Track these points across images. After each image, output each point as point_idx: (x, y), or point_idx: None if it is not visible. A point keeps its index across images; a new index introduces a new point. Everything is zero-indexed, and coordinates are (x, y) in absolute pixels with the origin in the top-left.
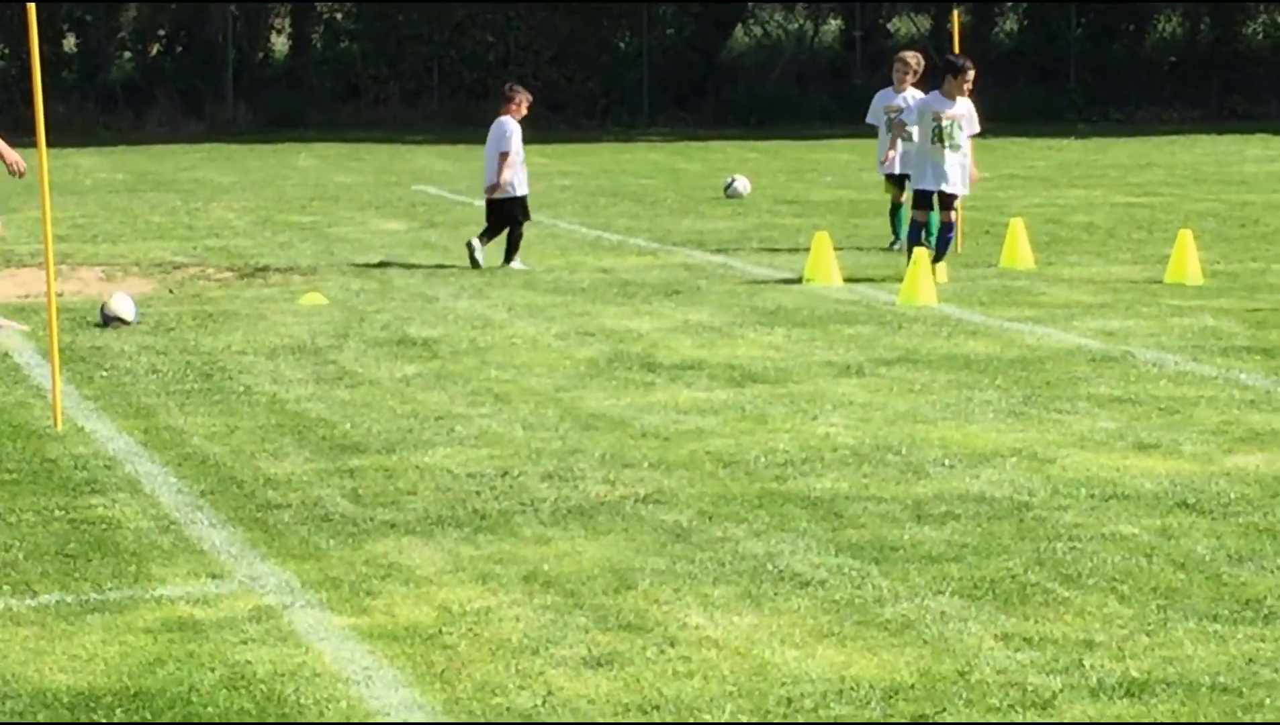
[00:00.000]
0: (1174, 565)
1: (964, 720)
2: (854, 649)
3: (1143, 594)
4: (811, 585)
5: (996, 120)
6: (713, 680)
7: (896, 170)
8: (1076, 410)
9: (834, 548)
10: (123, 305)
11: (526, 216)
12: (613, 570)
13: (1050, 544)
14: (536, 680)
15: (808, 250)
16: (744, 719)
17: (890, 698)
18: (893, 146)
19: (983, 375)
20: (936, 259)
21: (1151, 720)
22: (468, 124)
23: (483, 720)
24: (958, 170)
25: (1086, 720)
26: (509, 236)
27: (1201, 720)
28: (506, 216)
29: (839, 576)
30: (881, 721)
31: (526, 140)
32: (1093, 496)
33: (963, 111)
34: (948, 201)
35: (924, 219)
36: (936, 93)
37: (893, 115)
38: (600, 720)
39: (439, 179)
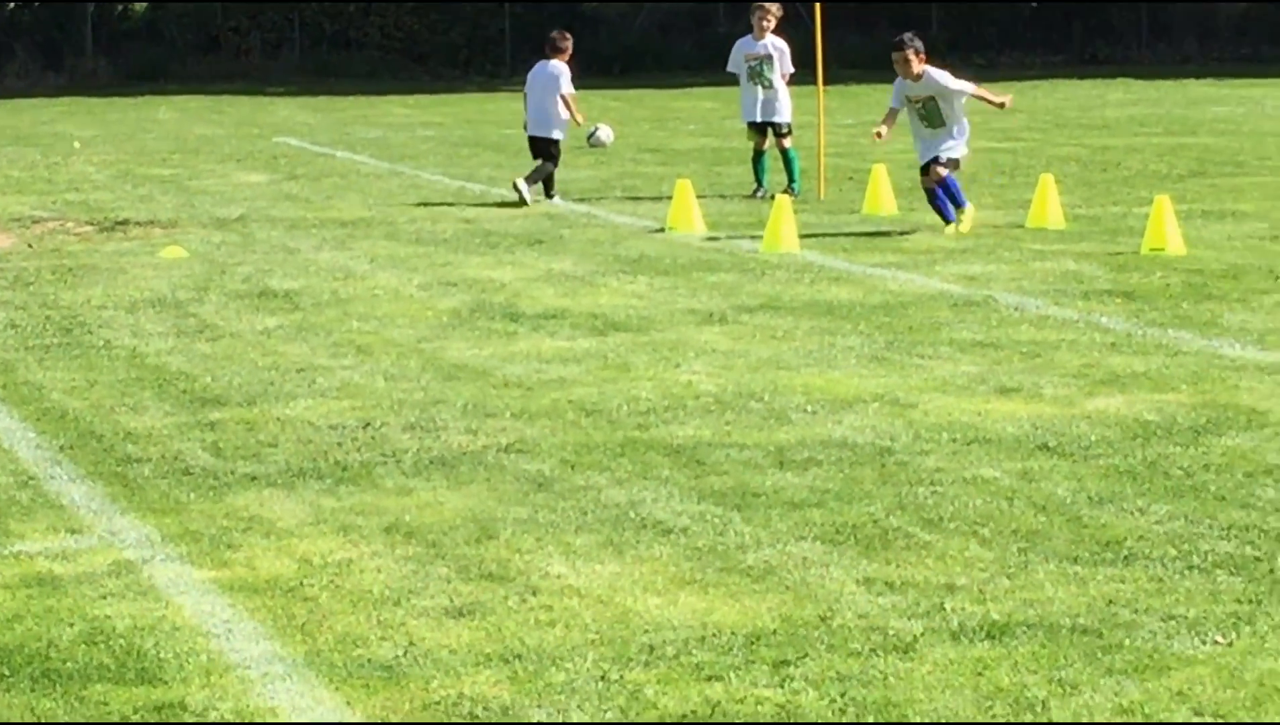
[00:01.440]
0: (1035, 508)
1: (825, 665)
2: (716, 595)
3: (1004, 537)
4: (674, 533)
5: (859, 67)
6: (574, 629)
7: (757, 118)
8: (938, 355)
9: (696, 495)
10: None
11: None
12: (475, 520)
13: (912, 488)
14: (398, 631)
15: (670, 198)
16: (606, 667)
17: (752, 643)
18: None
19: (845, 321)
20: (957, 206)
21: (1012, 662)
22: (329, 75)
23: (344, 671)
24: (950, 141)
25: (947, 663)
26: (548, 175)
27: (1062, 661)
28: (550, 155)
29: (701, 523)
30: (743, 667)
31: (388, 91)
32: (954, 441)
33: (931, 89)
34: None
35: (932, 185)
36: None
37: (752, 63)
38: (462, 670)
39: (300, 131)
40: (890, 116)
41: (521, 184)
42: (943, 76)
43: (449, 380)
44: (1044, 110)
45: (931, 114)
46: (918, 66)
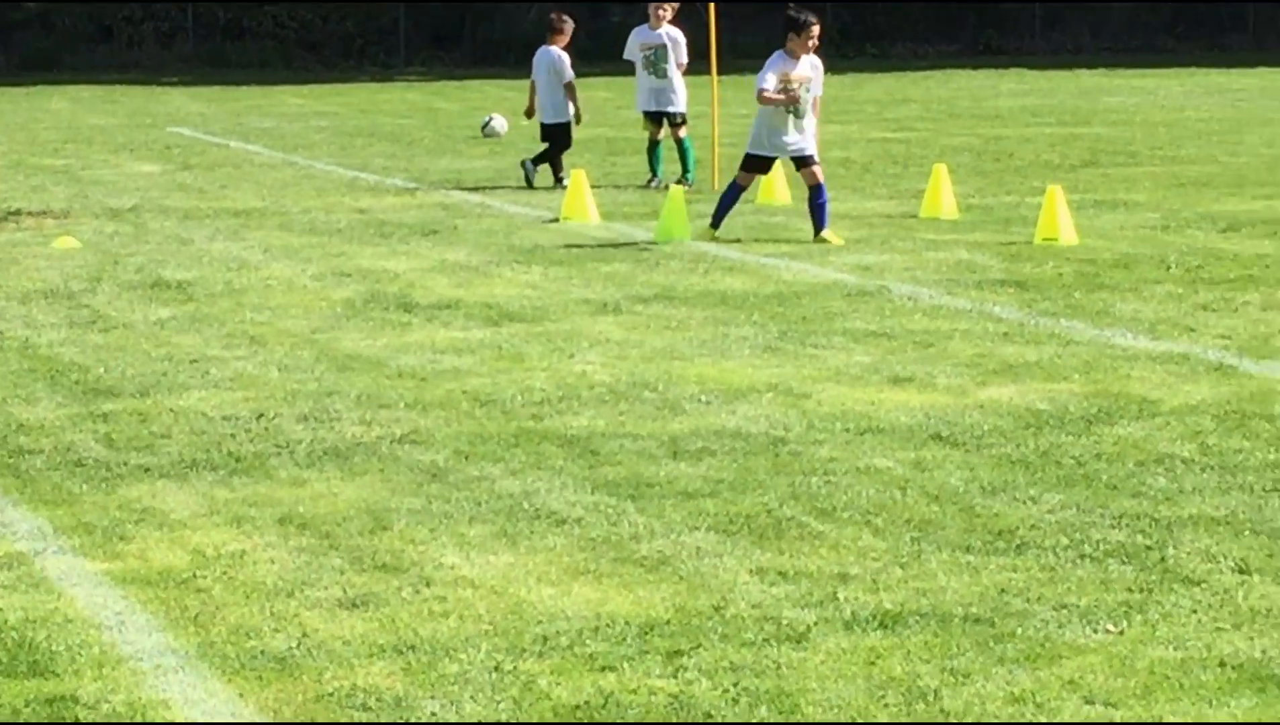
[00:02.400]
0: (928, 497)
1: (719, 655)
2: (610, 586)
3: (897, 526)
4: (568, 523)
5: (753, 57)
6: (468, 619)
7: (652, 107)
8: (832, 345)
9: (590, 485)
10: None
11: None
12: (368, 511)
13: (806, 478)
14: (291, 622)
15: (565, 188)
16: (499, 658)
17: (646, 633)
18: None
19: (739, 311)
20: (820, 228)
21: (905, 651)
22: (223, 65)
23: (237, 663)
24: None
25: (840, 652)
26: (554, 159)
27: (954, 650)
28: (561, 139)
29: (595, 514)
30: (636, 657)
31: (282, 81)
32: (848, 430)
33: (809, 72)
34: (807, 161)
35: (746, 182)
36: (780, 53)
37: (648, 52)
38: (355, 661)
39: (194, 121)
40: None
41: (529, 165)
42: (819, 67)
43: (343, 371)
44: (937, 100)
45: (802, 101)
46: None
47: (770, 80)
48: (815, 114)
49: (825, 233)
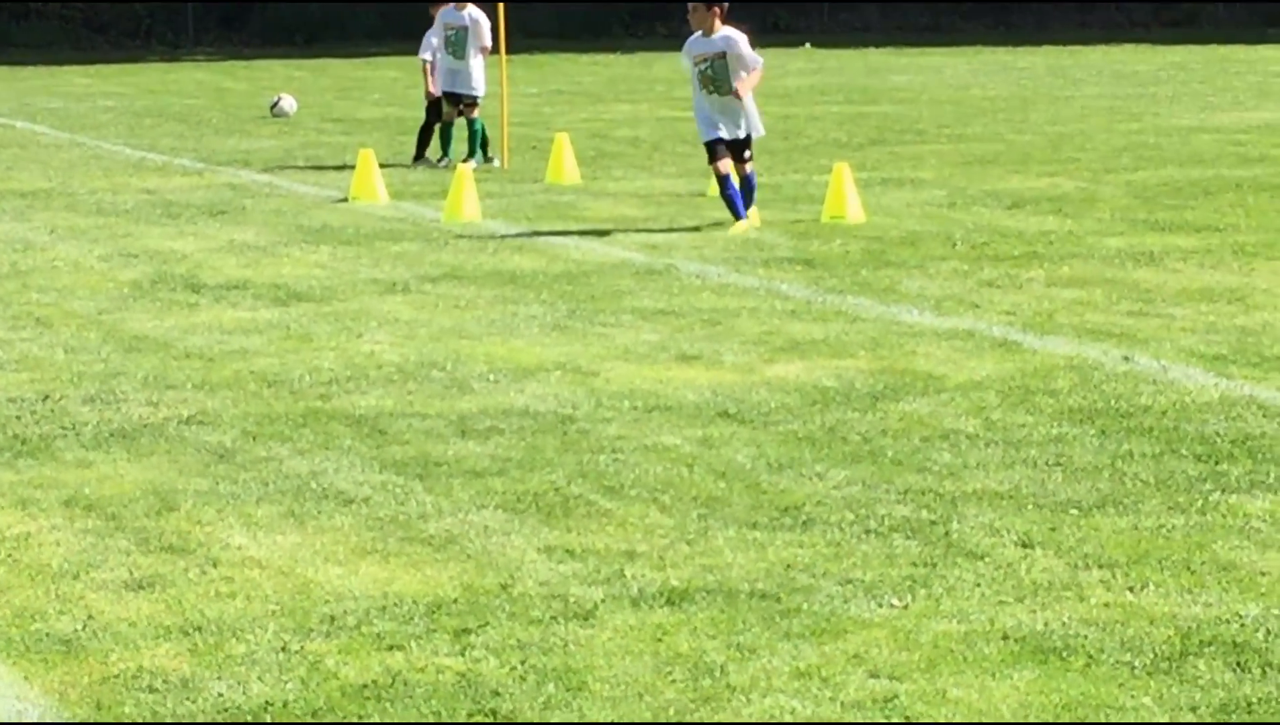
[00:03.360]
0: (715, 474)
1: (506, 633)
2: (397, 565)
3: (684, 503)
4: (355, 503)
5: (544, 36)
6: (255, 600)
7: (448, 88)
8: (620, 323)
9: (378, 465)
10: None
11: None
12: (155, 492)
13: (593, 456)
14: (77, 604)
15: (354, 168)
16: (286, 638)
17: (433, 612)
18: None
19: (528, 290)
20: (747, 205)
21: (691, 627)
22: (8, 45)
23: (22, 645)
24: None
25: (627, 629)
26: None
27: (740, 626)
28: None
29: (383, 493)
30: (424, 636)
31: (69, 61)
32: (635, 408)
33: (717, 49)
34: (739, 150)
35: (725, 171)
36: (698, 34)
37: (450, 33)
38: (142, 642)
39: None
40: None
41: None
42: (740, 39)
43: (130, 352)
44: None
45: (719, 76)
46: (717, 23)
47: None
48: (744, 94)
49: (744, 223)
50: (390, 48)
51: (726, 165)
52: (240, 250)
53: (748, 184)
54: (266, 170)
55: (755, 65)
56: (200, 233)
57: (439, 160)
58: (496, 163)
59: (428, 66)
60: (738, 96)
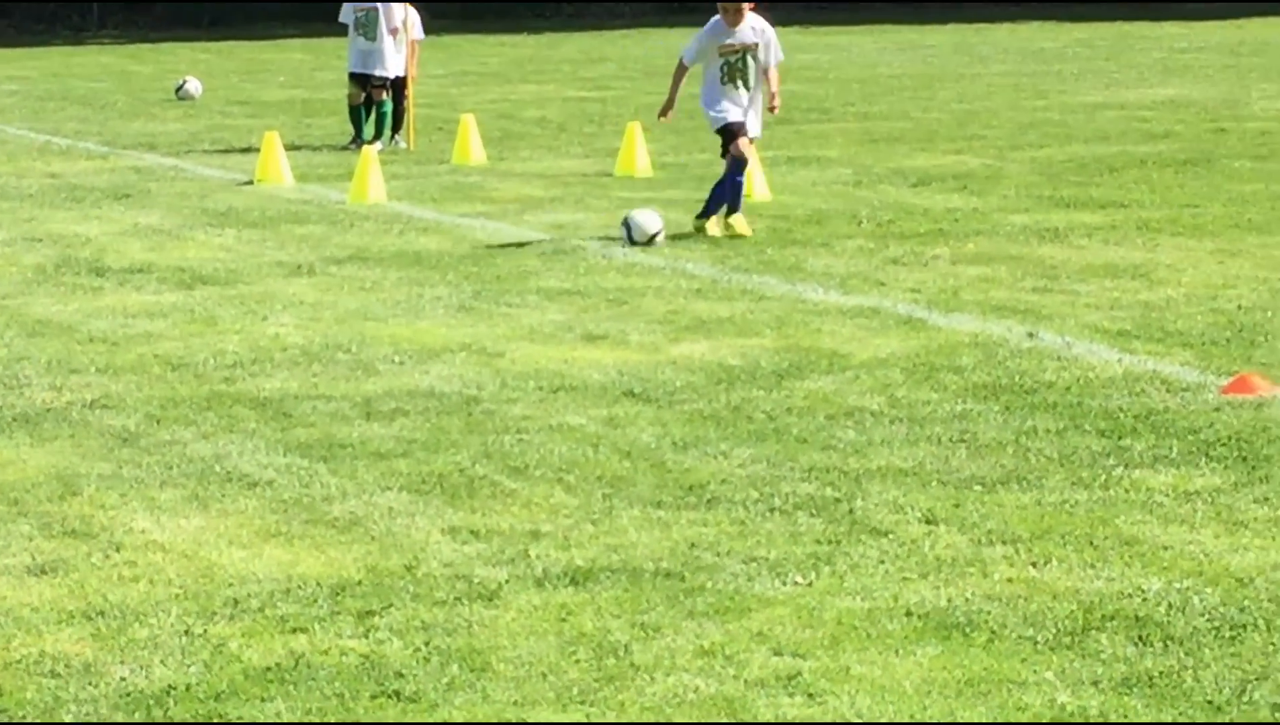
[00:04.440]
0: (620, 454)
1: (410, 614)
2: (301, 547)
3: (589, 483)
4: (259, 485)
5: (449, 18)
6: (158, 584)
7: (359, 69)
8: (526, 303)
9: (283, 447)
10: None
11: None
12: (58, 477)
13: (499, 437)
14: None
15: (259, 151)
16: (190, 621)
17: (337, 594)
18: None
19: (434, 271)
20: (725, 212)
21: (596, 607)
22: None
23: None
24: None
25: (532, 609)
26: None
27: (644, 605)
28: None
29: (287, 476)
30: (328, 618)
31: None
32: (541, 388)
33: (754, 39)
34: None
35: (745, 154)
36: (717, 19)
37: (360, 14)
38: (44, 627)
39: None
40: (678, 78)
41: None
42: (771, 29)
43: (33, 336)
44: (633, 59)
45: (748, 70)
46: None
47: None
48: (771, 86)
49: (731, 220)
50: (296, 30)
51: (748, 147)
52: (145, 234)
53: (738, 186)
54: (172, 153)
55: (779, 58)
56: (105, 216)
57: (351, 142)
58: (403, 144)
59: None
60: (773, 109)
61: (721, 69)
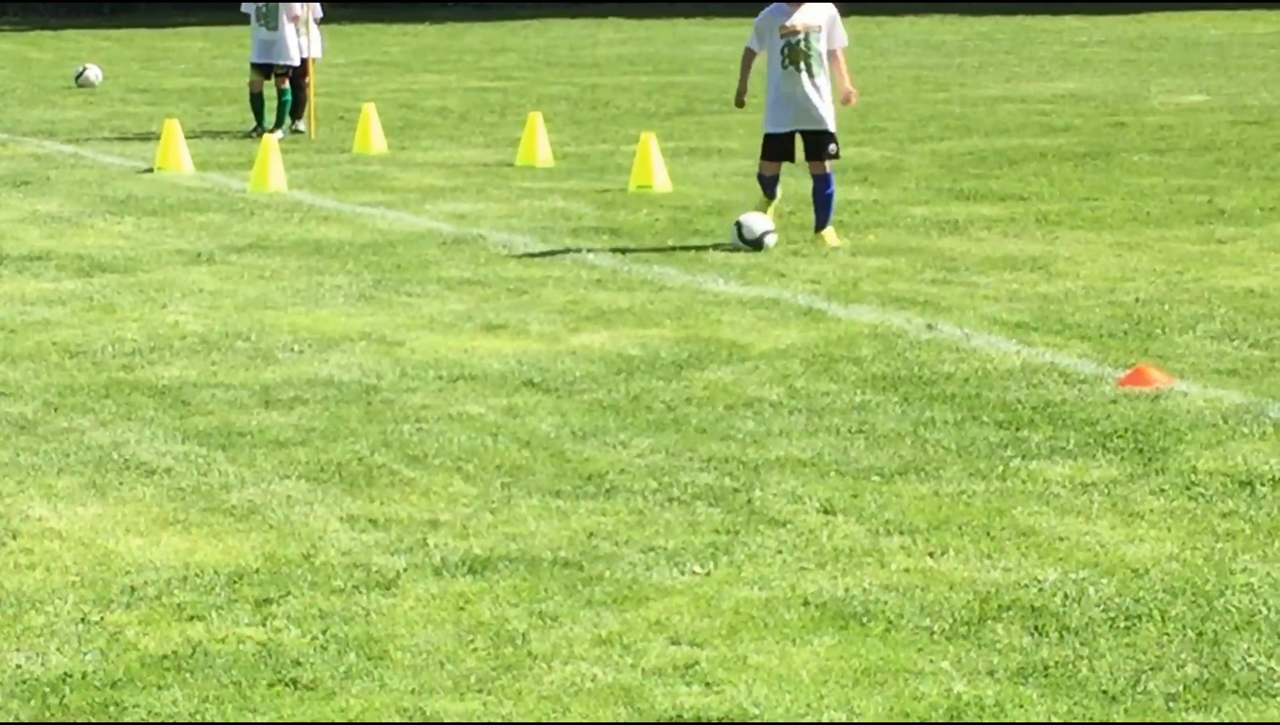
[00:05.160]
0: (519, 443)
1: (308, 602)
2: (199, 535)
3: (488, 472)
4: (157, 473)
5: (351, 5)
6: (55, 571)
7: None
8: (427, 293)
9: (181, 435)
10: None
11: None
12: None
13: (398, 426)
14: None
15: (159, 138)
16: (86, 609)
17: (235, 582)
18: None
19: (334, 260)
20: (821, 225)
21: (494, 595)
22: None
23: None
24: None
25: (429, 598)
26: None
27: (542, 594)
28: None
29: (185, 464)
30: (225, 606)
31: None
32: (440, 378)
33: (816, 19)
34: (821, 147)
35: (773, 171)
36: (778, 3)
37: (260, 5)
38: None
39: None
40: (746, 65)
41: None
42: (833, 12)
43: None
44: (535, 49)
45: (811, 52)
46: None
47: (754, 37)
48: (839, 74)
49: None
50: (198, 18)
51: (777, 168)
52: (44, 221)
53: (824, 187)
54: (71, 141)
55: (844, 42)
56: (3, 204)
57: (253, 130)
58: (303, 129)
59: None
60: (847, 101)
61: (782, 51)
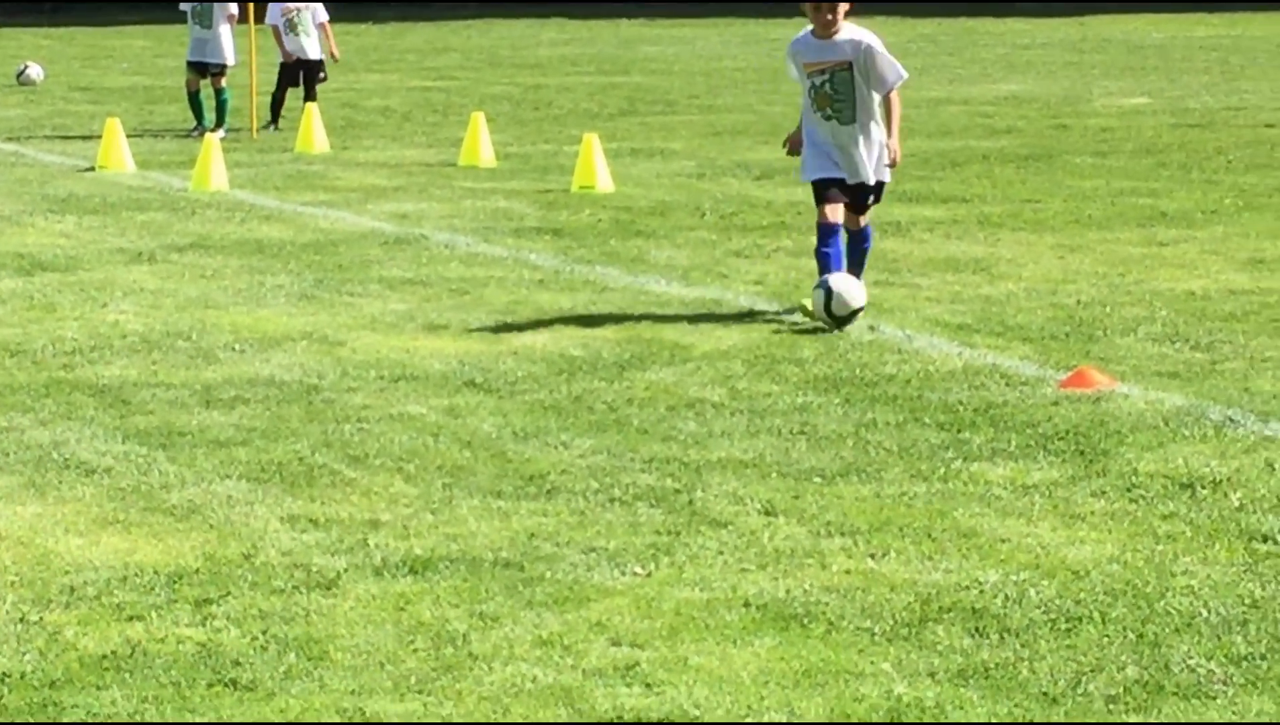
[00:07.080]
0: (460, 444)
1: (248, 603)
2: (139, 535)
3: (429, 473)
4: (97, 473)
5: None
6: None
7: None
8: (368, 293)
9: (121, 435)
10: None
11: None
12: None
13: (339, 426)
14: None
15: (101, 137)
16: (25, 609)
17: (175, 582)
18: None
19: (275, 260)
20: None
21: (434, 596)
22: None
23: None
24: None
25: (370, 598)
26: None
27: (483, 595)
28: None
29: (125, 463)
30: (165, 606)
31: None
32: (382, 378)
33: (844, 56)
34: (861, 202)
35: (835, 219)
36: (806, 33)
37: (194, 4)
38: None
39: None
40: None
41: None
42: (875, 42)
43: None
44: (478, 49)
45: (841, 95)
46: (840, 21)
47: (791, 70)
48: (890, 118)
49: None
50: (139, 17)
51: (837, 212)
52: None
53: (861, 242)
54: (12, 139)
55: (898, 80)
56: None
57: (193, 129)
58: (226, 132)
59: (277, 32)
60: (892, 164)
61: (809, 93)
